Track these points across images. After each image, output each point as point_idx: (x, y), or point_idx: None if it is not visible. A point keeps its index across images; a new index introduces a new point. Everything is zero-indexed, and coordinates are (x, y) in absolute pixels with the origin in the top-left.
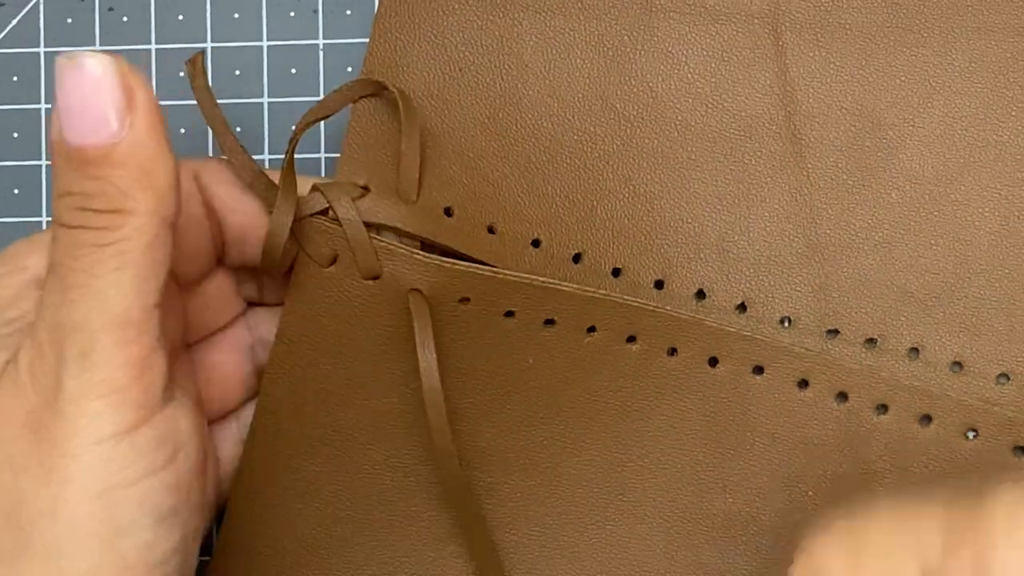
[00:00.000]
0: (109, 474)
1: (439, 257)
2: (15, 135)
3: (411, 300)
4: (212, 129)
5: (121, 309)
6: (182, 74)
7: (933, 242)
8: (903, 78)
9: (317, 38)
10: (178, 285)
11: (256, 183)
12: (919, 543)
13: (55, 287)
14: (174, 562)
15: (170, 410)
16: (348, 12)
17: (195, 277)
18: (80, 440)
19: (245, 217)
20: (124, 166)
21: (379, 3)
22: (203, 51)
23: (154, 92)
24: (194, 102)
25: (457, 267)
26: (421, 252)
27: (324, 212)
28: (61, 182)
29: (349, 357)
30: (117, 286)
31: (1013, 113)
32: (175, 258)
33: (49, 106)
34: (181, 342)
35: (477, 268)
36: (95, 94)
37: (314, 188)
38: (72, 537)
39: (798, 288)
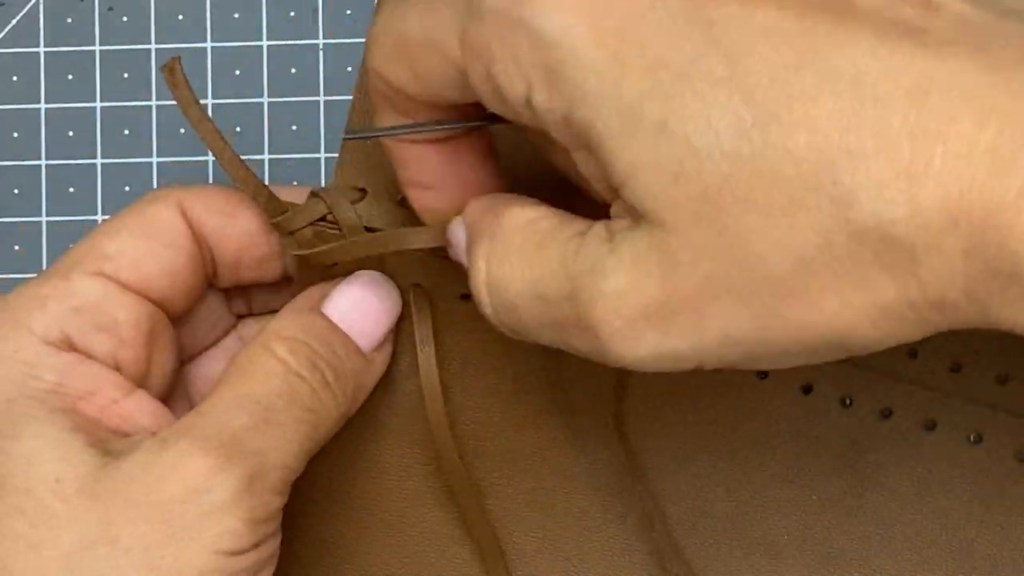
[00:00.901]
0: None
1: (440, 253)
2: (15, 135)
3: (412, 294)
4: (207, 144)
5: (293, 466)
6: None
7: None
8: None
9: (317, 38)
10: (171, 319)
11: (257, 196)
12: None
13: (251, 410)
14: None
15: (275, 537)
16: (348, 12)
17: (188, 307)
18: (200, 545)
19: (238, 241)
20: (356, 375)
21: (378, 3)
22: (178, 56)
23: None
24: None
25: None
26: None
27: (323, 218)
28: (304, 330)
29: None
30: (300, 447)
31: None
32: (170, 295)
33: (49, 105)
34: (174, 374)
35: None
36: (385, 316)
37: (313, 194)
38: None
39: None
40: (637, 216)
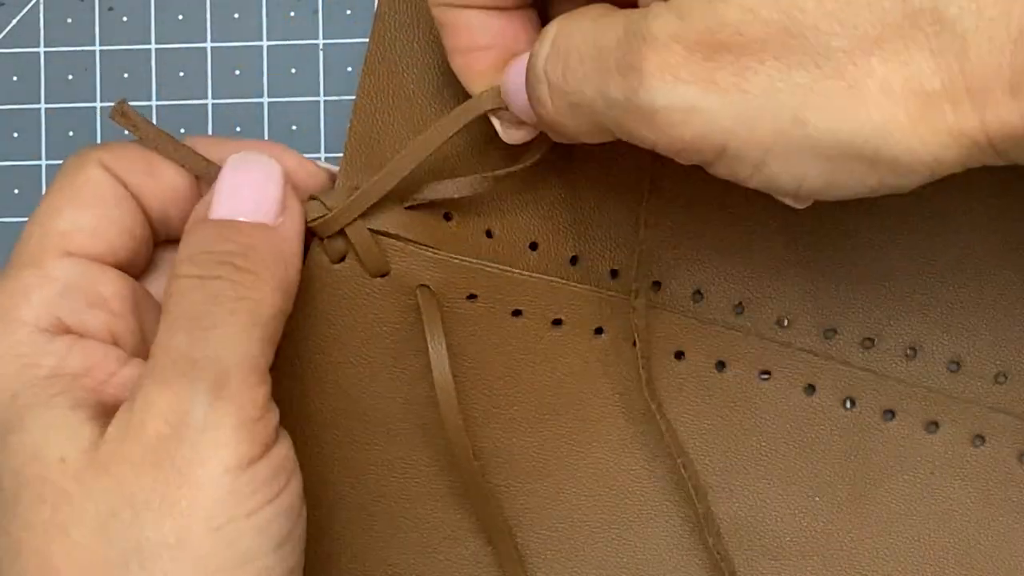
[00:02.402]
0: (232, 505)
1: (446, 253)
2: (15, 135)
3: (419, 295)
4: (190, 170)
5: (252, 354)
6: (182, 74)
7: (929, 242)
8: None
9: (317, 38)
10: (136, 277)
11: None
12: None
13: (185, 327)
14: None
15: (282, 441)
16: (348, 12)
17: (148, 261)
18: (206, 470)
19: (162, 196)
20: (266, 246)
21: (379, 3)
22: (123, 99)
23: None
24: (195, 101)
25: (464, 263)
26: (429, 248)
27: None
28: (198, 243)
29: (358, 355)
30: (249, 335)
31: None
32: (134, 254)
33: (49, 105)
34: None
35: (484, 264)
36: (268, 182)
37: (312, 198)
38: (196, 570)
39: (794, 288)
40: None
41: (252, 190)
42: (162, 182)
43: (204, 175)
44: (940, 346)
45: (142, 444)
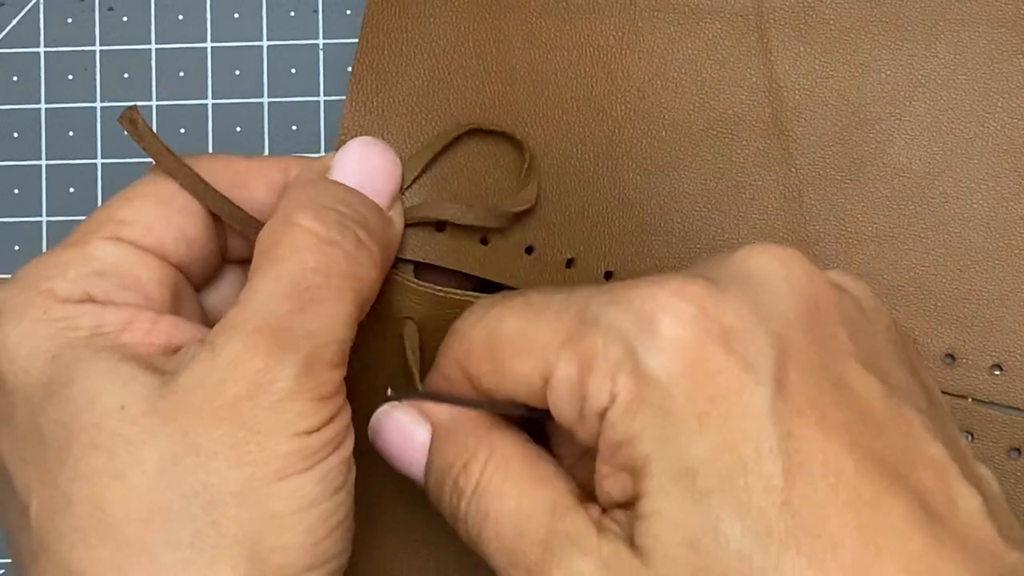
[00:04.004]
0: (297, 461)
1: (431, 286)
2: (15, 135)
3: (404, 329)
4: (187, 189)
5: (345, 337)
6: (182, 74)
7: (922, 235)
8: (888, 71)
9: (317, 38)
10: (195, 289)
11: (246, 229)
12: (541, 346)
13: (291, 294)
14: (345, 526)
15: (345, 408)
16: (348, 12)
17: (206, 277)
18: (281, 433)
19: (250, 210)
20: (383, 228)
21: (367, 9)
22: (135, 106)
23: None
24: (195, 101)
25: (450, 297)
26: (414, 280)
27: None
28: (320, 196)
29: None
30: (348, 317)
31: (999, 104)
32: (187, 262)
33: (49, 105)
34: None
35: (464, 295)
36: (390, 173)
37: None
38: (262, 515)
39: None
40: (630, 538)
41: (378, 170)
42: (249, 196)
43: (200, 197)
44: (936, 339)
45: (216, 401)
